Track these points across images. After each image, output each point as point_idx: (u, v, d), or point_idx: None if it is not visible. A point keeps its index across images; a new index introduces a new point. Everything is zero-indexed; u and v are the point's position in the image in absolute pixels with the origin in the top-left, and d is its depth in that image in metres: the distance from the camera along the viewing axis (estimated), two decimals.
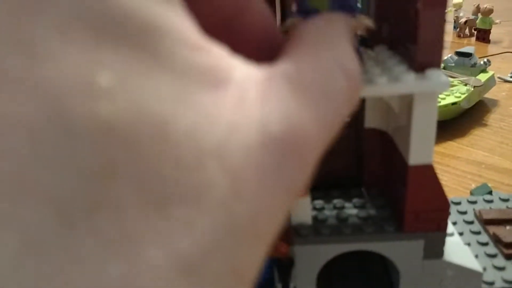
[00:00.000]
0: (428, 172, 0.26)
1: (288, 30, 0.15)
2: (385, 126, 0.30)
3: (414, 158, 0.26)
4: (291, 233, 0.29)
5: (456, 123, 0.61)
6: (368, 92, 0.22)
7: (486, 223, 0.36)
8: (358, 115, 0.31)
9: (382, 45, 0.27)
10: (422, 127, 0.25)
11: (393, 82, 0.22)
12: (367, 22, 0.17)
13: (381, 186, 0.32)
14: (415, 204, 0.27)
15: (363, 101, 0.30)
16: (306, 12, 0.17)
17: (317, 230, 0.29)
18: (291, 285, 0.30)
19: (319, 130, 0.10)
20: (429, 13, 0.22)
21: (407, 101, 0.25)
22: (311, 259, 0.29)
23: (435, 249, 0.29)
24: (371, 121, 0.31)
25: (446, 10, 0.23)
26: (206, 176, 0.08)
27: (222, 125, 0.08)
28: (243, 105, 0.09)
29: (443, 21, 0.23)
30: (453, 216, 0.38)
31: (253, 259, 0.09)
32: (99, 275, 0.07)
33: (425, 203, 0.27)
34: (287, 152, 0.09)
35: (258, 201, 0.09)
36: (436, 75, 0.22)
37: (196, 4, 0.10)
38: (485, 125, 0.62)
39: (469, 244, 0.35)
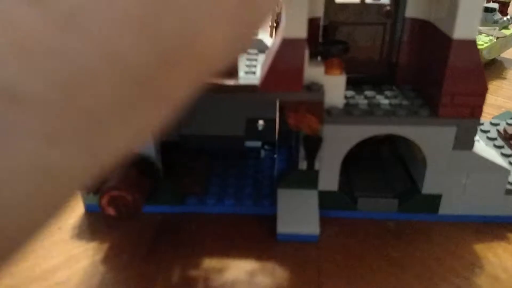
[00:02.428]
0: (471, 47, 0.26)
1: None
2: (427, 15, 0.30)
3: (459, 31, 0.25)
4: (323, 113, 0.28)
5: None
6: None
7: (511, 138, 0.35)
8: (397, 7, 0.31)
9: None
10: None
11: None
12: None
13: (413, 84, 0.32)
14: (453, 85, 0.27)
15: None
16: None
17: (348, 112, 0.29)
18: (316, 164, 0.30)
19: None
20: None
21: None
22: (340, 140, 0.29)
23: (466, 139, 0.28)
24: (413, 10, 0.30)
25: None
26: None
27: None
28: None
29: None
30: None
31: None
32: None
33: (464, 83, 0.27)
34: None
35: None
36: None
37: None
38: (504, 78, 0.62)
39: None
